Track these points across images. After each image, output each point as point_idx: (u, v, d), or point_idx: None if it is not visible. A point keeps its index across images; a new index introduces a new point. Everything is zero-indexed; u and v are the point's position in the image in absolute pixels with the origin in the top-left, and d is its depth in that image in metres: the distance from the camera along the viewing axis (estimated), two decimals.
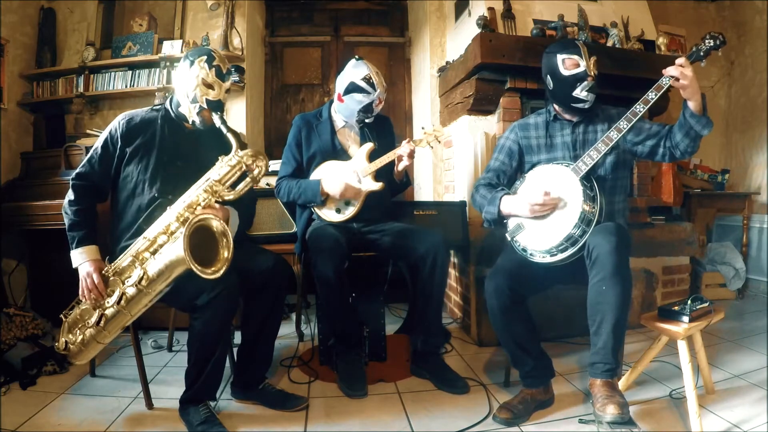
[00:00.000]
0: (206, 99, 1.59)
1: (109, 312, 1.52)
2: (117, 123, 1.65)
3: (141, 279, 1.46)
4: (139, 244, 1.52)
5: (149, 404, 1.73)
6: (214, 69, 1.60)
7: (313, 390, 1.90)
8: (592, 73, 1.70)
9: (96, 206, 1.67)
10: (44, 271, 2.74)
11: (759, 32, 3.59)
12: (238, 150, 1.55)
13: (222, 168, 1.54)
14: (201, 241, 1.46)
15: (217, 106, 1.60)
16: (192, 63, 1.60)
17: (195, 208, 1.51)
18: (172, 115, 1.68)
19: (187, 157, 1.65)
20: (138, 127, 1.64)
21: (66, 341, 1.59)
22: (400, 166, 2.04)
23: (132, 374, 1.92)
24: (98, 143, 1.65)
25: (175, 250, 1.42)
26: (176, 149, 1.65)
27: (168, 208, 1.55)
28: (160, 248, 1.49)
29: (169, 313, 2.31)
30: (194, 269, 1.38)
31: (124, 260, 1.53)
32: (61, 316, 1.62)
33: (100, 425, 1.60)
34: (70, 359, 1.63)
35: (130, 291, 1.49)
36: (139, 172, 1.61)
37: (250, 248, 1.81)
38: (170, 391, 1.81)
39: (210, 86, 1.59)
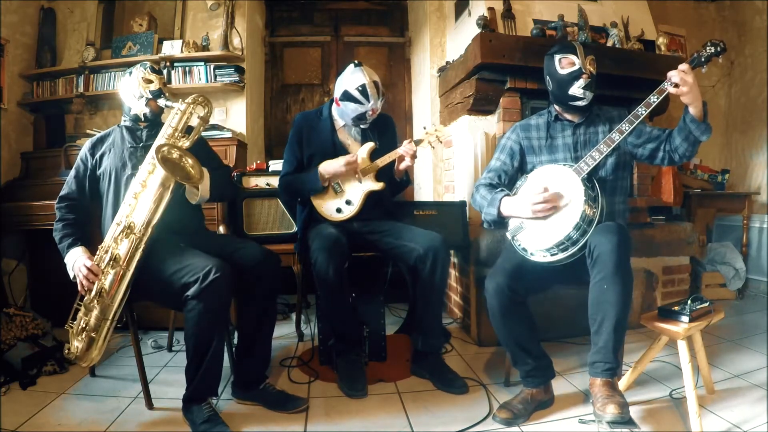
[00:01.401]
0: (149, 90, 1.83)
1: (106, 281, 1.58)
2: (83, 147, 1.88)
3: (128, 227, 1.59)
4: (124, 210, 1.64)
5: (149, 404, 1.73)
6: (149, 68, 1.87)
7: (313, 390, 1.90)
8: (588, 71, 1.73)
9: (83, 222, 1.81)
10: (44, 271, 2.74)
11: (759, 32, 3.59)
12: (184, 99, 1.78)
13: (174, 116, 1.77)
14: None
15: (159, 93, 1.84)
16: (131, 72, 1.88)
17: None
18: (128, 122, 1.90)
19: (151, 142, 1.81)
20: (100, 139, 1.89)
21: (75, 341, 1.61)
22: (402, 166, 2.04)
23: (132, 374, 1.92)
24: (73, 168, 1.87)
25: (154, 181, 1.61)
26: (138, 140, 1.87)
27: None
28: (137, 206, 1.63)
29: (169, 313, 2.31)
30: (178, 179, 1.60)
31: (109, 234, 1.63)
32: (67, 327, 1.64)
33: (100, 425, 1.60)
34: (82, 362, 1.64)
35: (122, 246, 1.58)
36: (111, 164, 1.81)
37: (239, 242, 1.86)
38: (170, 391, 1.81)
39: (149, 81, 1.84)
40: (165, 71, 3.12)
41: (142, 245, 1.60)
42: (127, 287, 1.60)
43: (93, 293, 1.59)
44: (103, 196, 1.82)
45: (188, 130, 1.78)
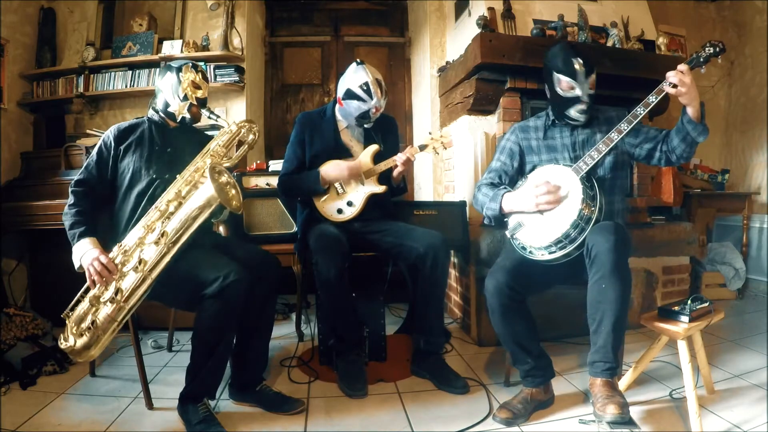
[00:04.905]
0: (196, 97, 1.84)
1: (125, 282, 1.55)
2: (108, 131, 1.83)
3: (162, 234, 1.56)
4: (150, 215, 1.61)
5: (149, 404, 1.73)
6: (200, 73, 1.87)
7: (313, 390, 1.90)
8: (586, 97, 1.73)
9: (96, 208, 1.74)
10: (44, 271, 2.75)
11: (759, 32, 3.59)
12: (235, 121, 1.82)
13: (223, 136, 1.80)
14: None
15: (204, 103, 1.88)
16: (180, 70, 1.84)
17: (203, 172, 1.67)
18: (157, 118, 1.87)
19: (176, 145, 1.84)
20: (128, 129, 1.84)
21: (72, 336, 1.57)
22: (395, 172, 2.05)
23: (132, 374, 1.93)
24: (93, 152, 1.81)
25: (201, 195, 1.58)
26: (165, 140, 1.84)
27: (168, 186, 1.68)
28: (172, 215, 1.59)
29: (169, 313, 2.31)
30: (223, 203, 1.56)
31: (132, 236, 1.60)
32: (63, 316, 1.61)
33: (100, 425, 1.60)
34: (77, 358, 1.60)
35: (149, 251, 1.56)
36: (134, 161, 1.77)
37: (239, 244, 1.86)
38: (170, 391, 1.80)
39: (198, 87, 1.85)
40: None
41: (170, 255, 1.56)
42: (144, 292, 1.57)
43: (108, 294, 1.55)
44: (119, 189, 1.76)
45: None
